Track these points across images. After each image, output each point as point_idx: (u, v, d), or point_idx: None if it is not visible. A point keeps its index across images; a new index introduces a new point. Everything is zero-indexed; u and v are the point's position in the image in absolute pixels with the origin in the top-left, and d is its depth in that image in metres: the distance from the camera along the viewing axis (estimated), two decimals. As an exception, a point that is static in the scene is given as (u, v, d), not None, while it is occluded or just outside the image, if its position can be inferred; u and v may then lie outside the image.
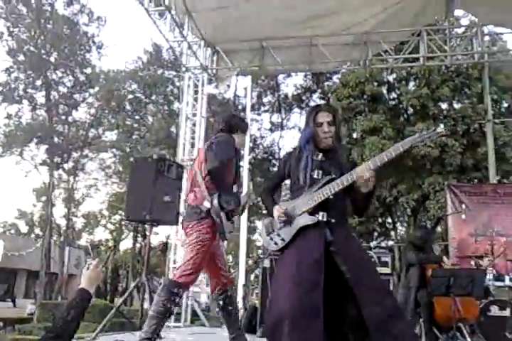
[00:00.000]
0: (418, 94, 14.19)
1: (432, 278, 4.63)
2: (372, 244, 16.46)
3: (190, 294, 7.45)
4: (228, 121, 3.73)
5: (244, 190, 4.43)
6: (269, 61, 8.09)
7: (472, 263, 6.23)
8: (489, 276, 5.73)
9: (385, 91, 15.98)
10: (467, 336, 4.59)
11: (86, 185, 27.13)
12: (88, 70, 22.96)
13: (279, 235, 2.64)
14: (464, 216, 7.22)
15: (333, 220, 2.55)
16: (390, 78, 15.79)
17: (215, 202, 3.29)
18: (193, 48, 8.12)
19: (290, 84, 20.72)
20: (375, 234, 18.34)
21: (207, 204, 3.33)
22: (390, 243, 17.86)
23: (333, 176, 2.56)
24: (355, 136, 14.87)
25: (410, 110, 15.14)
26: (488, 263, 5.88)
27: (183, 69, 8.33)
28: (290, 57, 8.09)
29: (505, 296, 5.48)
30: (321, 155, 2.64)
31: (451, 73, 14.29)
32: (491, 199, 7.83)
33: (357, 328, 2.41)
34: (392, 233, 18.60)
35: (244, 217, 9.57)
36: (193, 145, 8.03)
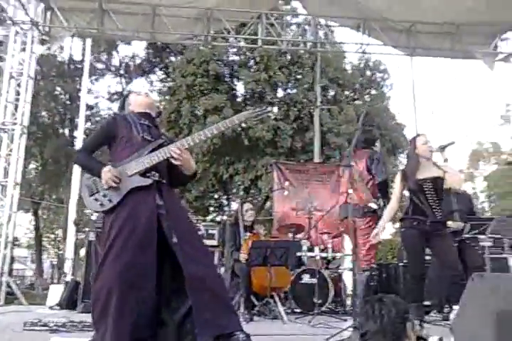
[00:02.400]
0: (257, 78, 14.76)
1: (251, 249, 4.92)
2: (208, 218, 16.91)
3: (6, 271, 6.85)
4: (368, 139, 4.79)
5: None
6: (109, 25, 7.63)
7: (290, 235, 6.77)
8: (304, 248, 6.29)
9: (227, 72, 16.29)
10: (279, 303, 4.98)
11: None
12: None
13: (105, 196, 2.57)
14: (286, 192, 7.79)
15: (163, 181, 2.63)
16: (232, 59, 16.13)
17: (382, 204, 4.36)
18: (21, 0, 7.31)
19: (131, 54, 19.66)
20: (211, 209, 18.82)
21: (373, 206, 4.40)
22: (225, 218, 18.50)
23: (164, 139, 2.68)
24: (196, 114, 14.96)
25: (249, 93, 15.67)
26: (304, 236, 6.44)
27: (9, 22, 7.46)
28: (132, 24, 7.72)
29: (315, 265, 6.04)
30: (146, 120, 2.76)
31: (287, 61, 15.14)
32: (312, 177, 8.54)
33: (176, 288, 2.50)
34: (227, 208, 19.29)
35: (75, 189, 9.10)
36: (16, 107, 7.30)
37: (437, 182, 3.86)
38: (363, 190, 4.44)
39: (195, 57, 15.03)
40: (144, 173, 2.57)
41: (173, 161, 2.58)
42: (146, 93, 2.85)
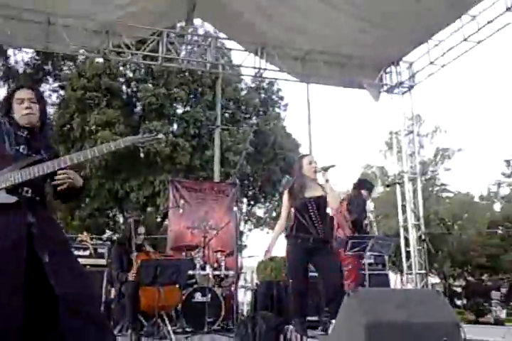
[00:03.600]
0: (156, 93, 14.63)
1: (140, 268, 4.78)
2: (104, 236, 16.21)
3: None
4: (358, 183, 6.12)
5: None
6: (-1, 31, 7.21)
7: (184, 254, 6.72)
8: (197, 266, 6.25)
9: (123, 87, 15.96)
10: (167, 323, 4.87)
11: None
12: None
13: None
14: (181, 210, 7.75)
15: (37, 198, 2.48)
16: (129, 74, 15.87)
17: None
18: None
19: (21, 61, 18.11)
20: (105, 227, 18.08)
21: None
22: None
23: (44, 156, 2.49)
24: (88, 128, 14.44)
25: (147, 108, 15.47)
26: (197, 254, 6.42)
27: None
28: (24, 31, 7.36)
29: (208, 283, 6.02)
30: (26, 132, 2.54)
31: (187, 78, 15.21)
32: (208, 195, 8.57)
33: (46, 312, 2.36)
34: (123, 227, 18.60)
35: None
36: None
37: (320, 201, 4.08)
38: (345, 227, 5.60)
39: (87, 71, 14.60)
40: (14, 189, 2.41)
41: (56, 182, 2.45)
42: (25, 108, 2.54)
